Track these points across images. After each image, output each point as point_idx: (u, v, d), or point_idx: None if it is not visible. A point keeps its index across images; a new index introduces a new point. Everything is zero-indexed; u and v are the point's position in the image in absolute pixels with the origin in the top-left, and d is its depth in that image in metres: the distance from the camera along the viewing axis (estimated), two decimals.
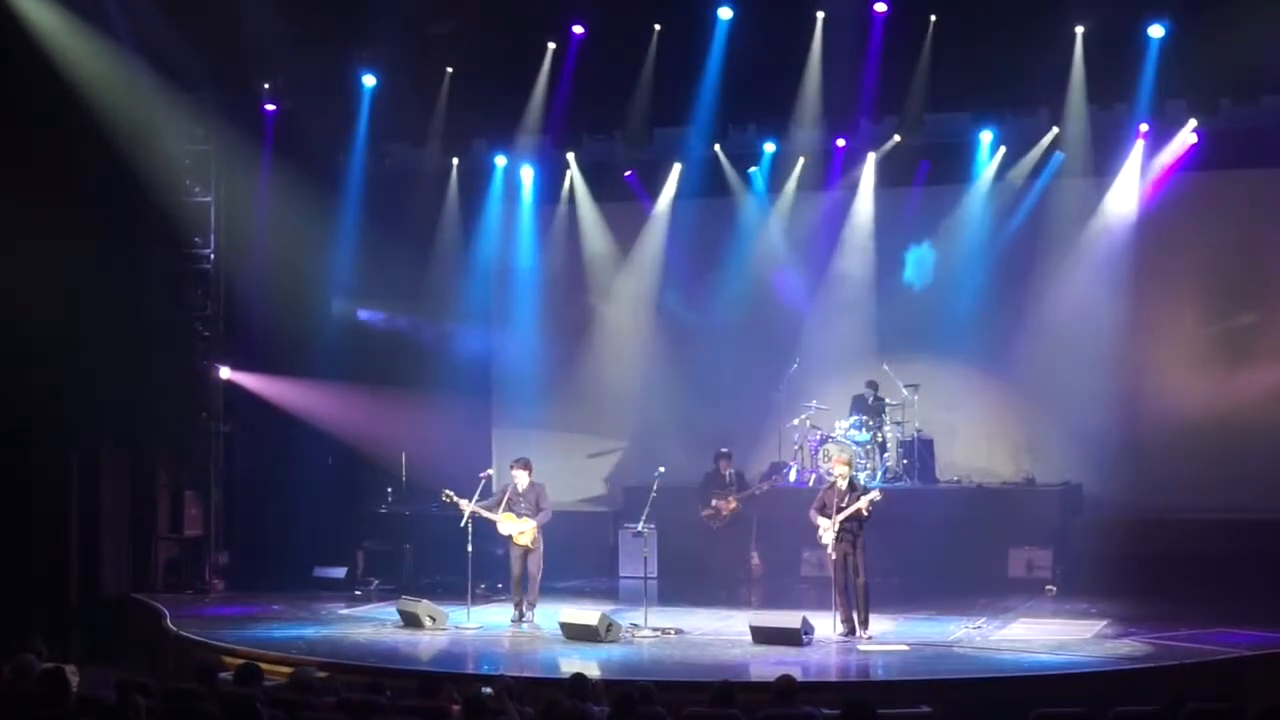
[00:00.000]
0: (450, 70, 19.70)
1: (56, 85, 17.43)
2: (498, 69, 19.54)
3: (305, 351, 20.26)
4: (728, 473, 19.35)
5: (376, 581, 19.73)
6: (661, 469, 16.96)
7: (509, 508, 16.73)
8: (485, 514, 16.67)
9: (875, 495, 15.35)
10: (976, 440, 21.32)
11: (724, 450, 19.47)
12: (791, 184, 21.68)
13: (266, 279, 19.87)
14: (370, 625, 17.00)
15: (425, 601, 16.86)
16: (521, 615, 16.76)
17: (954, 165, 21.01)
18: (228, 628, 16.70)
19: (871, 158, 21.12)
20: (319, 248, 20.34)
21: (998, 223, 20.94)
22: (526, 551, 16.73)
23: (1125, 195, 20.41)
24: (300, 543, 19.91)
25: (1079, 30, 17.80)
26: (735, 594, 18.97)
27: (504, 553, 17.32)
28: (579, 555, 20.39)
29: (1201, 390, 20.20)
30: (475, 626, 16.53)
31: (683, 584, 18.75)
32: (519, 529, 16.69)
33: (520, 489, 16.80)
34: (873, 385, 20.95)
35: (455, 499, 16.73)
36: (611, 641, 15.39)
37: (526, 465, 16.94)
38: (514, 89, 19.61)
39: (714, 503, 19.11)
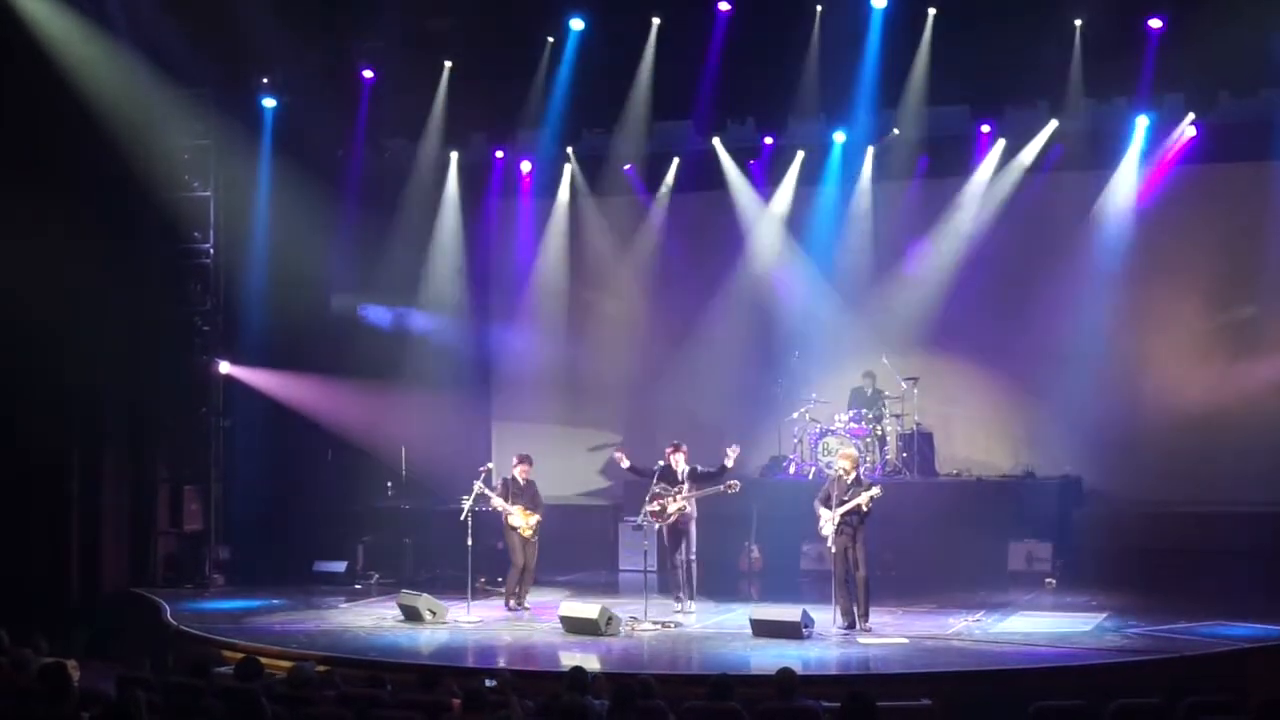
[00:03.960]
0: (449, 65, 19.71)
1: (56, 81, 17.43)
2: (496, 63, 19.55)
3: (305, 346, 20.25)
4: (680, 468, 16.50)
5: (376, 576, 19.75)
6: (660, 463, 16.93)
7: (515, 501, 17.06)
8: (504, 508, 16.97)
9: (875, 491, 15.34)
10: (976, 433, 21.34)
11: (674, 443, 16.71)
12: (790, 177, 21.69)
13: (266, 274, 19.89)
14: (370, 619, 17.00)
15: (425, 595, 16.88)
16: (520, 603, 17.01)
17: (953, 158, 21.02)
18: (228, 622, 16.73)
19: (870, 151, 21.11)
20: (318, 242, 20.32)
21: (997, 216, 20.91)
22: (528, 543, 17.08)
23: (1124, 188, 20.40)
24: (300, 537, 19.95)
25: (1078, 23, 17.80)
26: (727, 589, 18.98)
27: (503, 546, 17.39)
28: (579, 548, 20.45)
29: (1201, 382, 20.22)
30: (475, 620, 16.56)
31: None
32: (528, 523, 17.04)
33: (521, 484, 17.15)
34: (870, 376, 20.98)
35: (490, 493, 16.93)
36: (611, 635, 15.40)
37: (530, 461, 17.39)
38: (513, 83, 19.61)
39: (659, 500, 16.37)
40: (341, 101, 20.07)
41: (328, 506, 20.42)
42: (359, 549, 20.11)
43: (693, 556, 16.62)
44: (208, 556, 19.65)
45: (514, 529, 17.05)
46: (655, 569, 16.80)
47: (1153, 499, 19.85)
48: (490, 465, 17.71)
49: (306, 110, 19.93)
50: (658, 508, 16.37)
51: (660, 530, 16.58)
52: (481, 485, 16.80)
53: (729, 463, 16.35)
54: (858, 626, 15.34)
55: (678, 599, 16.68)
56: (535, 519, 17.11)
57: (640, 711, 9.83)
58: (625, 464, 17.15)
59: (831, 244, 21.72)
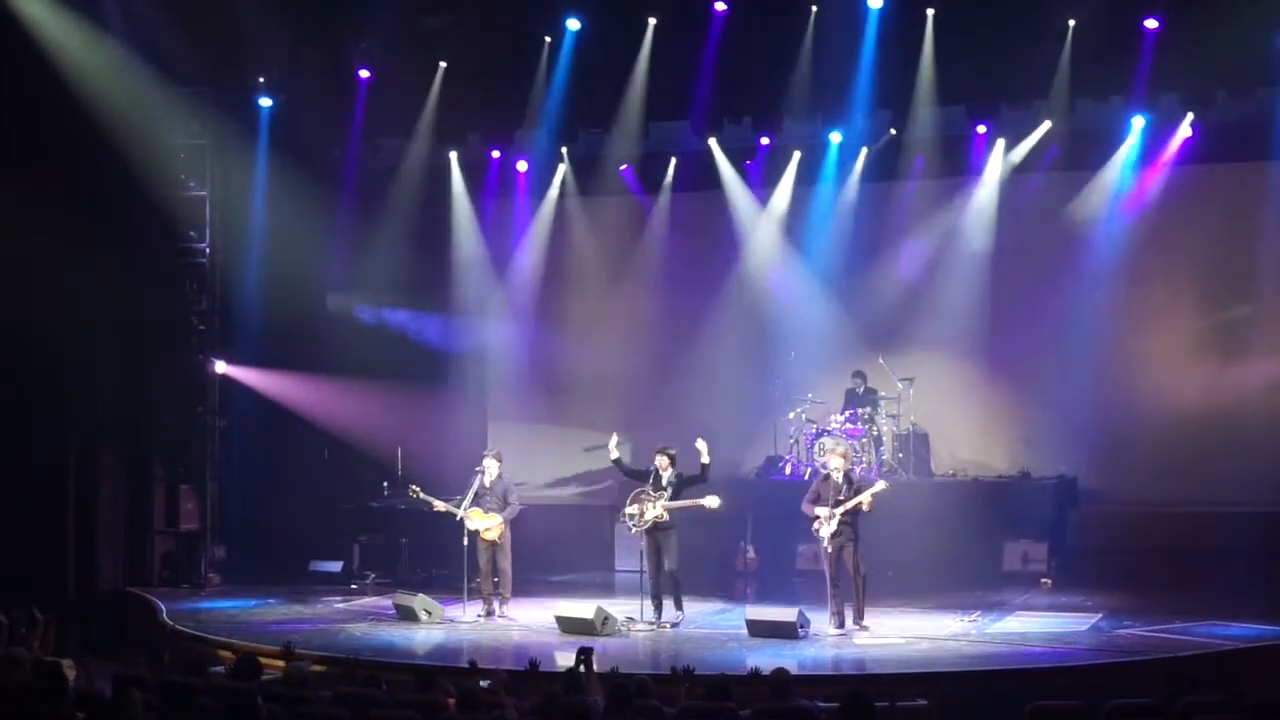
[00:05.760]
0: (445, 65, 19.70)
1: (51, 80, 17.41)
2: (493, 63, 19.54)
3: (301, 345, 20.26)
4: (664, 473, 16.12)
5: (372, 575, 19.77)
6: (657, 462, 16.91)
7: (476, 502, 16.64)
8: (451, 510, 16.66)
9: (879, 487, 15.36)
10: (972, 433, 21.32)
11: (661, 447, 16.35)
12: (786, 178, 21.69)
13: (262, 273, 19.90)
14: (366, 619, 16.99)
15: (421, 595, 16.88)
16: (490, 610, 16.67)
17: (949, 159, 20.99)
18: (224, 621, 16.74)
19: (866, 151, 21.10)
20: (314, 241, 20.34)
21: (992, 216, 20.91)
22: (494, 546, 16.66)
23: (1119, 188, 20.39)
24: (296, 537, 19.95)
25: (1073, 23, 17.80)
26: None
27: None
28: (575, 548, 20.45)
29: (1196, 383, 20.22)
30: (470, 620, 16.54)
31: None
32: (485, 525, 16.60)
33: (488, 482, 16.70)
34: (860, 375, 20.93)
35: (421, 495, 16.88)
36: (607, 635, 15.39)
37: (498, 457, 16.94)
38: (509, 83, 19.63)
39: (638, 503, 16.11)
40: (337, 101, 20.07)
41: (324, 506, 20.41)
42: (355, 548, 20.11)
43: (674, 567, 16.08)
44: (204, 556, 19.66)
45: (474, 532, 16.64)
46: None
47: (1148, 499, 19.87)
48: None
49: (303, 109, 19.95)
50: (636, 511, 16.06)
51: (640, 536, 16.19)
52: (418, 490, 16.88)
53: (705, 459, 15.89)
54: (854, 626, 15.34)
55: (661, 609, 16.10)
56: (496, 520, 16.54)
57: (636, 712, 9.83)
58: (614, 454, 16.59)
59: (828, 244, 21.67)
